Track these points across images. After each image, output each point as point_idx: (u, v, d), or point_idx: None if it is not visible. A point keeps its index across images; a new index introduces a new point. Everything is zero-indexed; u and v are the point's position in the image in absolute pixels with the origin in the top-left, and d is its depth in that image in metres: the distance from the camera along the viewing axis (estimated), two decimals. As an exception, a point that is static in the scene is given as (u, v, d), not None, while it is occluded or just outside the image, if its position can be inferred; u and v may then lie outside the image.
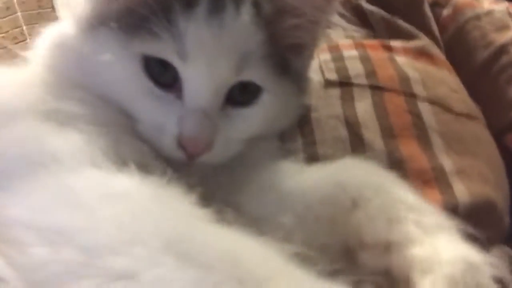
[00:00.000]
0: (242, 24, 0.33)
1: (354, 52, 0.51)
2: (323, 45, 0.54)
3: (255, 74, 0.35)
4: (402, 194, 0.32)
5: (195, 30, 0.32)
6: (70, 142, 0.30)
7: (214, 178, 0.36)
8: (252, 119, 0.36)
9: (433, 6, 0.61)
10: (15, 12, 2.37)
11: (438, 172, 0.40)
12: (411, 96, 0.46)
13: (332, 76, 0.48)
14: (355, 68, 0.49)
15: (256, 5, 0.35)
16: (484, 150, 0.46)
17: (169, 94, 0.34)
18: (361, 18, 0.59)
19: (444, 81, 0.50)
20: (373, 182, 0.33)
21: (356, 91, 0.46)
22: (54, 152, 0.29)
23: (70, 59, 0.36)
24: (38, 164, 0.28)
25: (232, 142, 0.36)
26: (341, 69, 0.49)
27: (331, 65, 0.50)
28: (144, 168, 0.32)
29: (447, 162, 0.41)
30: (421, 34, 0.56)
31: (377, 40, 0.54)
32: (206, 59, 0.32)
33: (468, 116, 0.47)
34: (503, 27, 0.57)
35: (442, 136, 0.43)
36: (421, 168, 0.40)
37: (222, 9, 0.33)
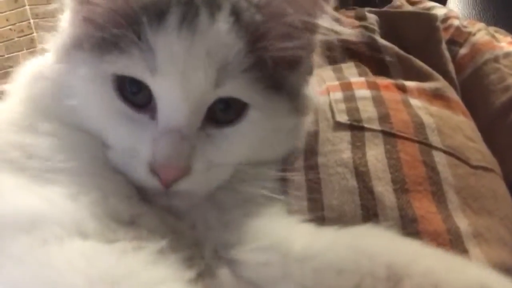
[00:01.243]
0: (218, 33, 0.30)
1: (367, 92, 0.49)
2: (334, 82, 0.52)
3: (238, 89, 0.31)
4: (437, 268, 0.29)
5: (165, 42, 0.29)
6: (51, 202, 0.27)
7: (203, 219, 0.33)
8: (237, 139, 0.33)
9: (449, 43, 0.59)
10: (23, 5, 2.32)
11: (453, 235, 0.37)
12: (426, 145, 0.43)
13: (343, 118, 0.46)
14: (368, 111, 0.46)
15: (235, 12, 0.31)
16: (501, 207, 0.43)
17: (143, 115, 0.31)
18: (374, 54, 0.57)
19: (460, 128, 0.48)
20: (405, 252, 0.31)
21: (367, 137, 0.44)
22: (33, 215, 0.26)
23: (46, 89, 0.35)
24: (13, 230, 0.26)
25: (216, 166, 0.32)
26: (353, 111, 0.46)
27: (342, 106, 0.47)
28: (136, 218, 0.30)
29: (463, 223, 0.38)
30: (437, 75, 0.53)
31: (391, 79, 0.52)
32: (178, 72, 0.29)
33: (485, 169, 0.44)
34: None
35: (458, 192, 0.40)
36: (435, 230, 0.37)
37: (195, 18, 0.30)
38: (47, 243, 0.25)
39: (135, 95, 0.31)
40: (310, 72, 0.39)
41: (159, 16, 0.30)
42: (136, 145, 0.31)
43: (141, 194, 0.32)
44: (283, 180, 0.40)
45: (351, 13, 0.62)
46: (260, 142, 0.34)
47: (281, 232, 0.34)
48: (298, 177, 0.42)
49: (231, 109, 0.32)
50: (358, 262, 0.30)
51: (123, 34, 0.30)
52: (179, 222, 0.33)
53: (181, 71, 0.29)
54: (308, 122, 0.40)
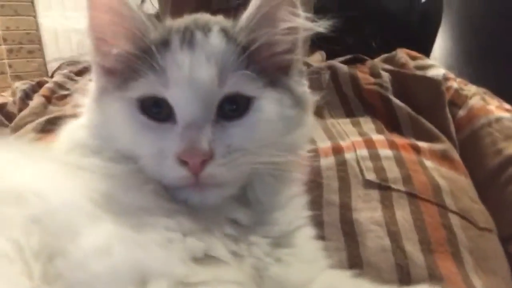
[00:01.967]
0: (212, 43, 0.37)
1: (389, 152, 0.53)
2: (357, 137, 0.56)
3: (242, 85, 0.37)
4: None
5: (172, 59, 0.36)
6: (152, 252, 0.30)
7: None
8: (249, 126, 0.37)
9: (450, 105, 0.65)
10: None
11: None
12: (443, 207, 0.49)
13: (371, 176, 0.50)
14: (392, 171, 0.51)
15: (223, 30, 0.38)
16: (501, 265, 0.49)
17: (166, 124, 0.37)
18: (388, 111, 0.62)
19: (466, 190, 0.54)
20: None
21: (394, 197, 0.49)
22: (143, 269, 0.29)
23: (84, 133, 0.41)
24: (125, 284, 0.28)
25: (236, 150, 0.36)
26: (379, 170, 0.51)
27: (369, 164, 0.52)
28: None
29: (478, 284, 0.44)
30: (443, 137, 0.59)
31: (406, 138, 0.57)
32: (185, 77, 0.36)
33: (489, 230, 0.51)
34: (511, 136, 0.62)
35: (471, 253, 0.46)
36: None
37: (192, 38, 0.37)
38: None
39: (158, 112, 0.37)
40: (301, 74, 0.44)
41: (165, 43, 0.37)
42: (162, 146, 0.36)
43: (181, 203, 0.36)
44: (318, 224, 0.44)
45: (366, 69, 0.68)
46: (271, 126, 0.38)
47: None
48: (335, 230, 0.46)
49: (239, 106, 0.37)
50: None
51: (140, 66, 0.36)
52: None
53: (187, 76, 0.36)
54: (312, 120, 0.44)
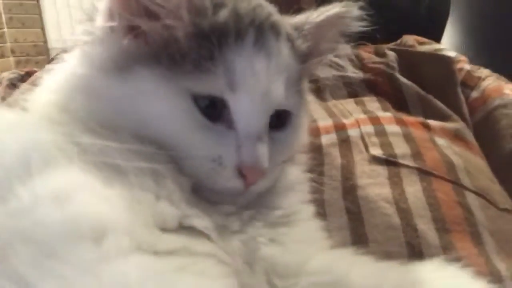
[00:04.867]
0: (283, 54, 0.34)
1: (396, 128, 0.49)
2: (361, 115, 0.52)
3: (292, 100, 0.35)
4: None
5: (245, 61, 0.32)
6: (114, 207, 0.26)
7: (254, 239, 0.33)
8: (287, 142, 0.37)
9: (462, 86, 0.61)
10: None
11: (496, 279, 0.37)
12: (458, 185, 0.44)
13: (377, 152, 0.46)
14: (400, 147, 0.47)
15: (290, 39, 0.36)
16: (524, 250, 0.44)
17: (220, 125, 0.32)
18: (395, 91, 0.58)
19: (483, 170, 0.49)
20: None
21: (403, 173, 0.44)
22: (100, 223, 0.24)
23: (94, 102, 0.33)
24: (79, 237, 0.23)
25: (276, 165, 0.35)
26: (386, 146, 0.47)
27: (375, 140, 0.48)
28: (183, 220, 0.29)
29: (502, 267, 0.39)
30: (455, 116, 0.55)
31: (415, 117, 0.53)
32: (260, 87, 0.32)
33: (509, 211, 0.46)
34: None
35: (492, 234, 0.41)
36: (479, 272, 0.37)
37: (265, 40, 0.33)
38: (115, 255, 0.23)
39: (208, 108, 0.32)
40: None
41: (237, 37, 0.31)
42: (220, 152, 0.32)
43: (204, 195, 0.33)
44: (320, 202, 0.41)
45: (370, 49, 0.64)
46: (299, 138, 0.39)
47: (342, 267, 0.33)
48: (337, 207, 0.42)
49: (281, 118, 0.36)
50: None
51: (199, 53, 0.30)
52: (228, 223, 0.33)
53: (262, 86, 0.32)
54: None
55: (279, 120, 0.35)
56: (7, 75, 0.70)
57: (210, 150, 0.32)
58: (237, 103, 0.32)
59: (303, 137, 0.41)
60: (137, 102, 0.31)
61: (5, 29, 2.71)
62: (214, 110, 0.32)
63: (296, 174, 0.40)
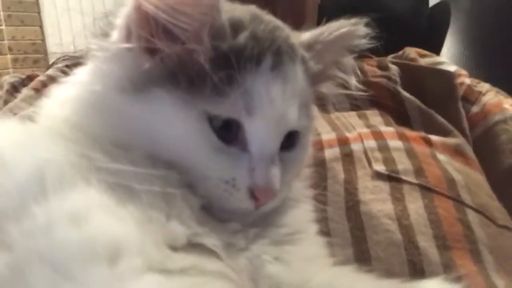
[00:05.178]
0: (298, 78, 0.34)
1: (399, 143, 0.50)
2: (364, 129, 0.53)
3: (303, 121, 0.36)
4: None
5: (263, 85, 0.32)
6: (128, 227, 0.26)
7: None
8: (296, 161, 0.37)
9: (462, 100, 0.62)
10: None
11: None
12: (459, 202, 0.45)
13: (380, 167, 0.46)
14: (403, 163, 0.47)
15: (304, 62, 0.36)
16: (522, 266, 0.45)
17: (234, 148, 0.33)
18: (397, 105, 0.59)
19: (482, 186, 0.50)
20: None
21: (406, 189, 0.45)
22: (115, 243, 0.24)
23: (108, 120, 0.33)
24: (94, 257, 0.23)
25: (286, 185, 0.36)
26: (389, 161, 0.47)
27: (378, 155, 0.48)
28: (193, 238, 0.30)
29: (500, 285, 0.39)
30: (456, 132, 0.56)
31: (417, 132, 0.54)
32: (276, 112, 0.33)
33: (508, 229, 0.47)
34: None
35: (491, 252, 0.42)
36: None
37: (282, 64, 0.33)
38: (129, 276, 0.24)
39: (223, 130, 0.32)
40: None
41: (255, 61, 0.31)
42: (234, 174, 0.32)
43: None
44: (323, 218, 0.41)
45: (373, 62, 0.64)
46: (306, 158, 0.40)
47: (344, 285, 0.33)
48: (340, 224, 0.42)
49: (291, 138, 0.36)
50: None
51: (218, 75, 0.30)
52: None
53: (278, 111, 0.32)
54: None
55: (289, 141, 0.35)
56: (8, 78, 0.70)
57: (225, 172, 0.32)
58: (253, 127, 0.32)
59: (308, 153, 0.41)
60: (152, 123, 0.31)
61: (3, 27, 2.69)
62: (228, 132, 0.32)
63: (301, 191, 0.40)
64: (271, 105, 0.32)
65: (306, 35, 0.39)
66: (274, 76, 0.32)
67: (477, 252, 0.41)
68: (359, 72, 0.61)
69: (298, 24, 0.39)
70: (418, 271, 0.39)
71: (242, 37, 0.32)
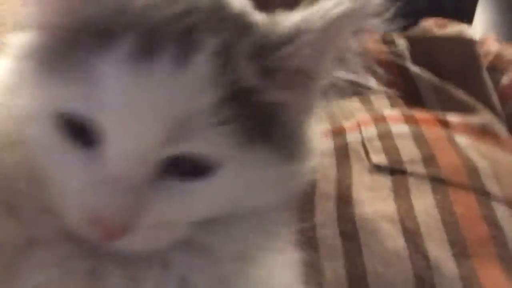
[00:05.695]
0: (189, 78, 0.23)
1: (405, 128, 0.42)
2: (364, 115, 0.45)
3: (205, 146, 0.24)
4: None
5: (114, 73, 0.22)
6: None
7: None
8: (202, 195, 0.25)
9: (489, 71, 0.52)
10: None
11: None
12: (484, 195, 0.36)
13: (380, 159, 0.39)
14: (409, 151, 0.39)
15: (226, 54, 0.24)
16: None
17: (90, 151, 0.24)
18: (406, 83, 0.50)
19: (517, 173, 0.41)
20: None
21: (412, 183, 0.37)
22: None
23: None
24: None
25: (169, 223, 0.25)
26: (391, 151, 0.39)
27: (378, 144, 0.40)
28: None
29: None
30: (481, 107, 0.47)
31: (430, 112, 0.45)
32: (126, 117, 0.23)
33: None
34: None
35: None
36: None
37: (156, 53, 0.22)
38: None
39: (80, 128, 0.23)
40: (308, 112, 0.29)
41: (108, 38, 0.22)
42: (75, 183, 0.24)
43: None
44: (311, 237, 0.33)
45: (377, 36, 0.56)
46: (238, 196, 0.26)
47: None
48: (330, 231, 0.35)
49: (198, 163, 0.24)
50: None
51: (66, 55, 0.23)
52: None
53: (129, 116, 0.22)
54: (309, 167, 0.29)
55: (197, 167, 0.24)
56: None
57: (65, 179, 0.24)
58: (107, 129, 0.23)
59: (267, 191, 0.27)
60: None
61: None
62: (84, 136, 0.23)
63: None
64: (121, 106, 0.22)
65: (289, 20, 0.25)
66: (136, 66, 0.22)
67: (506, 256, 0.32)
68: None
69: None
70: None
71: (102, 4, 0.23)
